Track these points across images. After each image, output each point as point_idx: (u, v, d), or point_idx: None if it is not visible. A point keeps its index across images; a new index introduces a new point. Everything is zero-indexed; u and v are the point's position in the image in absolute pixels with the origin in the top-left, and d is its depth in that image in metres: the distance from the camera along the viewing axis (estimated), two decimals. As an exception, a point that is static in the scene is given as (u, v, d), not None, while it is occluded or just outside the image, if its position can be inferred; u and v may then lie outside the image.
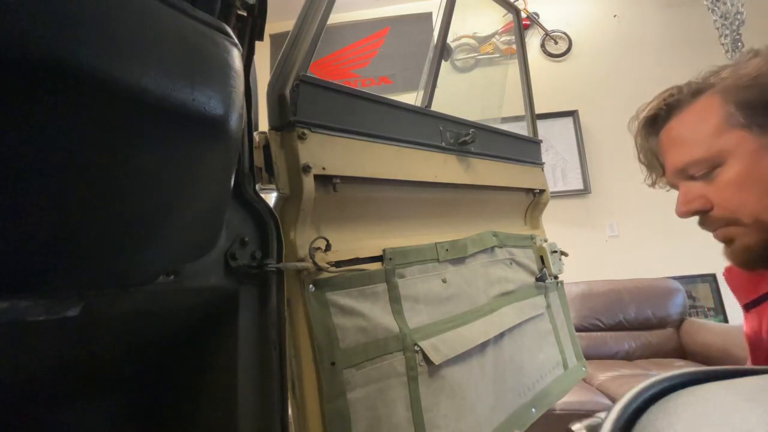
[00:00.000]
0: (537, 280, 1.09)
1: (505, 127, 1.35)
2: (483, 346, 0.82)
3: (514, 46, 3.19)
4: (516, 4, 3.33)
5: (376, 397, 0.62)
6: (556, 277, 1.14)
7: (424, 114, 0.86)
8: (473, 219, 0.90)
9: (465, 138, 0.90)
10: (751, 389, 0.17)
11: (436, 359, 0.69)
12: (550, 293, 1.12)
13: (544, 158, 1.16)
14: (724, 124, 0.49)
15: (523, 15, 3.22)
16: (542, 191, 1.18)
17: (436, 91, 0.95)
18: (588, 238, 2.92)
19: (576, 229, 2.94)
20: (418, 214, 0.84)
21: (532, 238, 1.13)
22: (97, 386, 0.56)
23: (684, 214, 0.54)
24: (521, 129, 1.29)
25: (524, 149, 1.15)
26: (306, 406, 0.56)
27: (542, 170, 1.22)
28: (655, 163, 0.60)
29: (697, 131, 0.52)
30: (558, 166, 3.03)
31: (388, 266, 0.71)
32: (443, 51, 0.98)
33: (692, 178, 0.53)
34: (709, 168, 0.50)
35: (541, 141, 1.26)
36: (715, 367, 0.19)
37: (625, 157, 2.99)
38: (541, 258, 1.13)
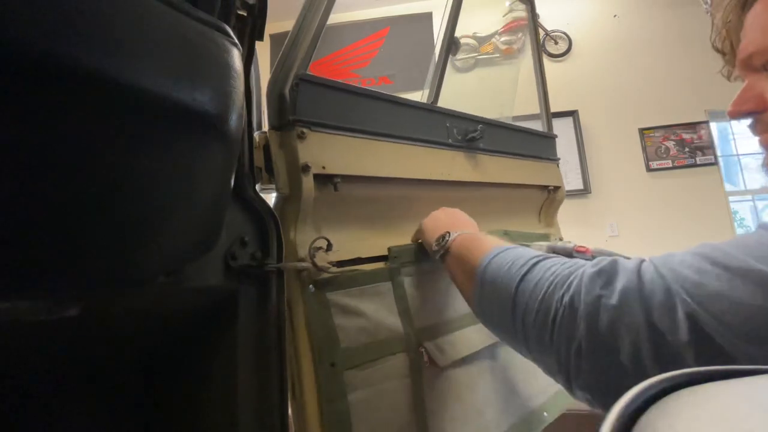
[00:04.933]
0: None
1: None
2: (492, 348, 0.80)
3: (514, 46, 3.20)
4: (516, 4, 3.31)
5: (378, 399, 0.60)
6: None
7: (428, 110, 0.83)
8: (484, 217, 0.86)
9: (473, 134, 0.87)
10: (752, 389, 0.17)
11: (441, 361, 0.67)
12: None
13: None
14: None
15: (523, 15, 3.22)
16: (557, 188, 1.13)
17: (443, 92, 0.93)
18: (588, 238, 2.91)
19: (576, 229, 2.93)
20: (424, 212, 0.83)
21: (546, 236, 1.10)
22: (97, 386, 0.56)
23: (732, 114, 0.43)
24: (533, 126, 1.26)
25: (537, 145, 1.09)
26: (306, 407, 0.55)
27: (557, 166, 1.15)
28: (729, 49, 0.48)
29: None
30: (558, 166, 3.03)
31: (394, 264, 0.69)
32: (450, 45, 0.94)
33: (757, 70, 0.42)
34: None
35: (556, 136, 1.18)
36: (715, 367, 0.19)
37: (625, 157, 2.99)
38: None
